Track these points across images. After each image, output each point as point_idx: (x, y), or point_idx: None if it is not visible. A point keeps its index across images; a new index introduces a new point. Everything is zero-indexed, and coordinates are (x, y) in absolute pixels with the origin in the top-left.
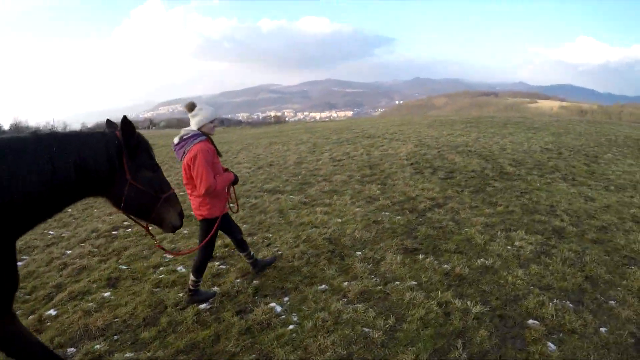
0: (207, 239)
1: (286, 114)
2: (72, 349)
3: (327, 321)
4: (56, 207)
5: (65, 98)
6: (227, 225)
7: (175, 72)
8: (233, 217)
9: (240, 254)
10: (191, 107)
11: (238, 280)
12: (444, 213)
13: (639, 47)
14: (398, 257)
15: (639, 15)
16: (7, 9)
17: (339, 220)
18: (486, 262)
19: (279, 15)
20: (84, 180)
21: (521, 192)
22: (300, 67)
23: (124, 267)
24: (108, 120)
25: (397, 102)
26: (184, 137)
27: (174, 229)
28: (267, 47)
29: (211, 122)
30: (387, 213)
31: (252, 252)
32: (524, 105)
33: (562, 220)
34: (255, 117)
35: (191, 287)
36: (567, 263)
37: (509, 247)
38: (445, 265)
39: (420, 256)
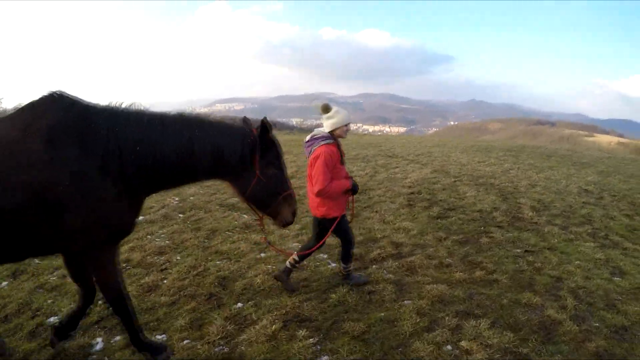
0: (320, 243)
1: None
2: None
3: None
4: (185, 179)
5: (124, 89)
6: (341, 231)
7: (233, 72)
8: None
9: (341, 264)
10: (326, 109)
11: (100, 301)
12: (395, 269)
13: None
14: (273, 327)
15: None
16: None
17: (261, 256)
18: None
19: (341, 26)
20: (216, 164)
21: (525, 251)
22: (357, 79)
23: (38, 262)
24: (245, 118)
25: (451, 123)
26: (315, 137)
27: (285, 224)
28: (326, 55)
29: (345, 125)
30: (324, 256)
31: (350, 269)
32: (580, 138)
33: (562, 308)
34: (309, 123)
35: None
36: None
37: (446, 349)
38: (324, 358)
39: (302, 332)
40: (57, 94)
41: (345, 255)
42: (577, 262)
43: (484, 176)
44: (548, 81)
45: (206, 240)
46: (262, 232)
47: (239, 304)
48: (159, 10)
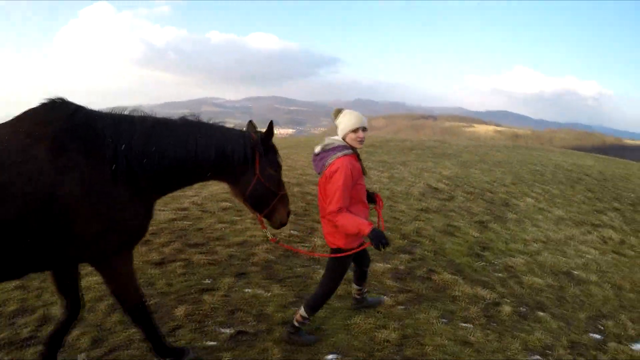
0: (336, 274)
1: None
2: None
3: None
4: (191, 179)
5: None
6: (358, 256)
7: (117, 79)
8: None
9: (354, 286)
10: (337, 113)
11: None
12: None
13: (571, 77)
14: None
15: (573, 48)
16: None
17: None
18: None
19: (229, 29)
20: (219, 164)
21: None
22: (245, 82)
23: None
24: (251, 122)
25: None
26: (327, 148)
27: (281, 225)
28: (214, 60)
29: (354, 131)
30: None
31: (365, 290)
32: (461, 129)
33: None
34: None
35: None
36: None
37: None
38: None
39: None
40: (58, 100)
41: (361, 275)
42: None
43: (302, 183)
44: (429, 79)
45: None
46: (265, 231)
47: None
48: (42, 13)
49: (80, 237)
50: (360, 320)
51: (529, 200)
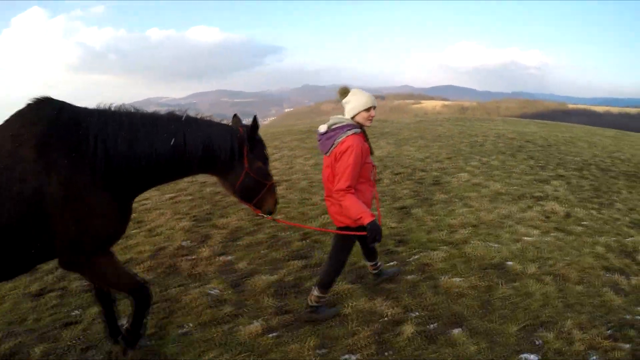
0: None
1: None
2: None
3: None
4: (177, 175)
5: None
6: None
7: (58, 86)
8: None
9: (367, 262)
10: (344, 92)
11: None
12: None
13: (513, 48)
14: None
15: (515, 20)
16: None
17: None
18: None
19: (169, 25)
20: (206, 159)
21: None
22: (188, 79)
23: None
24: (235, 115)
25: (287, 110)
26: (334, 127)
27: (269, 213)
28: (156, 58)
29: (367, 110)
30: None
31: (379, 264)
32: (409, 107)
33: None
34: None
35: (312, 304)
36: None
37: None
38: None
39: None
40: (44, 99)
41: (370, 253)
42: None
43: (216, 182)
44: (374, 60)
45: None
46: (262, 215)
47: None
48: None
49: (60, 240)
50: (215, 355)
51: (463, 175)
